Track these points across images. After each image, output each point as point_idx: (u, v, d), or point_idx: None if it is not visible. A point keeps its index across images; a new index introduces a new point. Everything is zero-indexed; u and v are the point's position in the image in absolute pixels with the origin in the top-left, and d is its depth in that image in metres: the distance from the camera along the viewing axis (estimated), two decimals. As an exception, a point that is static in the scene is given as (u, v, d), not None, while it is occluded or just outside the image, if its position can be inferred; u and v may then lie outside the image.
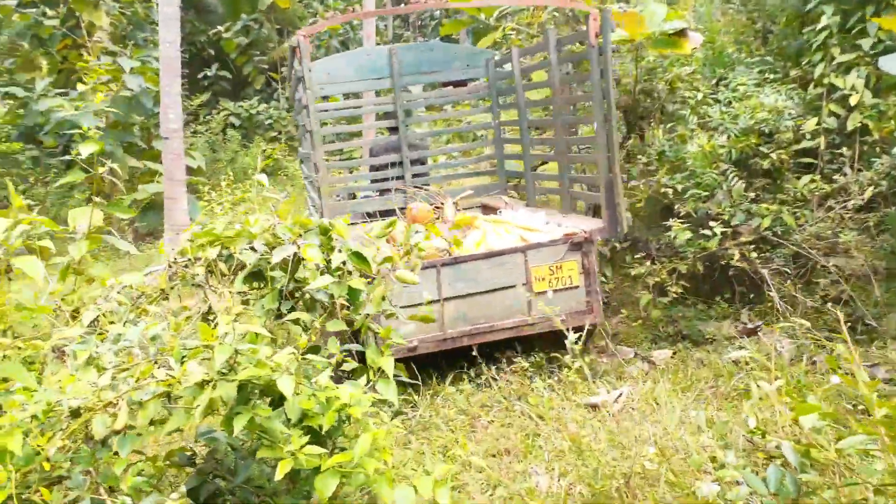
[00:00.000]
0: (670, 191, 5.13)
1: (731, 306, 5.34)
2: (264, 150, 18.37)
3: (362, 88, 7.13)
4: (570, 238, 4.67)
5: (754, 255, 4.84)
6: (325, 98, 7.05)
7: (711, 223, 4.77)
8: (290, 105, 14.25)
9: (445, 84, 8.69)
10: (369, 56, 6.89)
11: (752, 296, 5.29)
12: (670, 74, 5.94)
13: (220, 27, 20.73)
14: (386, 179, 6.84)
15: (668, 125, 5.72)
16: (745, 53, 6.70)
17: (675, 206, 5.18)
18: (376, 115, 7.62)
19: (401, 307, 3.41)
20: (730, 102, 5.64)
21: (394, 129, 7.02)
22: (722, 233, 4.79)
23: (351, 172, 8.05)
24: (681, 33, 5.08)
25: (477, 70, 6.88)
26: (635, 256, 5.43)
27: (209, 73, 20.88)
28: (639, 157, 5.60)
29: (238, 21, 20.95)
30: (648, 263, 5.07)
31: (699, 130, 5.34)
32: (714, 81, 6.28)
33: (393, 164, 6.83)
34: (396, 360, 3.02)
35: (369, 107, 7.79)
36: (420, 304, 3.84)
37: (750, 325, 5.12)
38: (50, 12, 14.66)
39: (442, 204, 5.77)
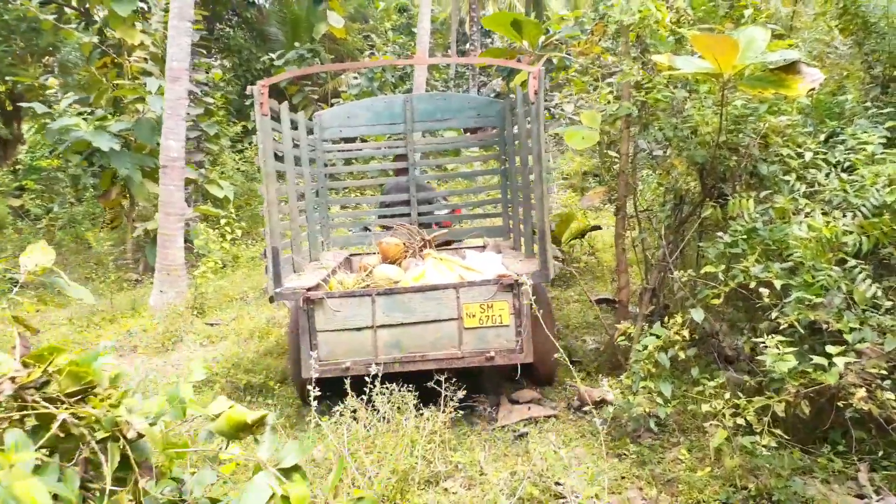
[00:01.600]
0: (763, 289, 3.56)
1: (845, 461, 3.70)
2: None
3: (378, 132, 7.72)
4: (501, 279, 4.78)
5: (888, 394, 3.24)
6: (343, 140, 8.01)
7: (828, 346, 3.19)
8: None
9: (466, 130, 9.27)
10: (387, 103, 7.48)
11: (877, 450, 3.65)
12: (764, 125, 4.42)
13: (272, 55, 20.05)
14: (394, 216, 7.43)
15: (762, 193, 4.18)
16: (860, 102, 5.13)
17: (770, 312, 3.61)
18: (392, 158, 7.99)
19: (335, 330, 4.72)
20: (851, 168, 4.07)
21: (403, 171, 7.56)
22: (839, 356, 3.21)
23: (354, 208, 8.86)
24: (791, 68, 3.58)
25: (489, 119, 7.25)
26: (710, 373, 3.88)
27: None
28: (719, 234, 4.05)
29: (292, 50, 20.27)
30: (727, 396, 3.48)
31: (810, 204, 3.77)
32: (822, 137, 4.70)
33: (402, 203, 7.48)
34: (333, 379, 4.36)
35: (382, 150, 8.10)
36: (353, 329, 4.76)
37: (871, 493, 3.48)
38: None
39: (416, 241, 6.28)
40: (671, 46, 4.36)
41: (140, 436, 1.68)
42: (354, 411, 4.73)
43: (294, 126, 6.56)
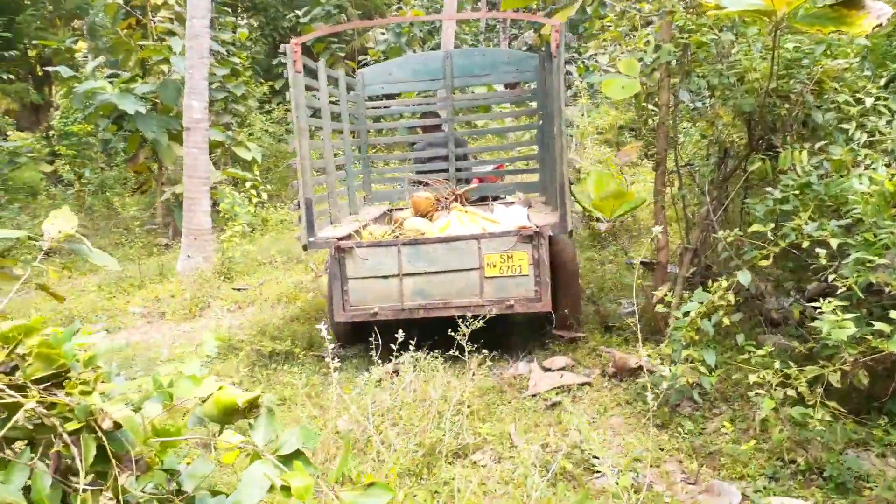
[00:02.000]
0: (819, 248, 3.25)
1: (904, 435, 3.42)
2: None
3: (419, 88, 7.84)
4: (521, 231, 4.93)
5: (956, 363, 2.95)
6: (385, 97, 8.02)
7: (892, 311, 2.89)
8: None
9: (507, 85, 9.03)
10: (426, 60, 7.61)
11: (941, 423, 3.37)
12: (818, 69, 4.03)
13: (298, 12, 19.67)
14: (432, 171, 7.40)
15: (816, 144, 3.82)
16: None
17: (826, 273, 3.30)
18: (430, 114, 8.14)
19: (364, 278, 5.01)
20: (918, 114, 3.69)
21: (434, 128, 7.70)
22: (903, 323, 2.91)
23: (393, 164, 8.84)
24: (853, 2, 3.20)
25: (527, 74, 7.15)
26: (755, 338, 3.60)
27: (283, 60, 19.90)
28: (768, 189, 3.73)
29: (318, 6, 19.85)
30: (776, 364, 3.21)
31: (871, 156, 3.42)
32: (882, 83, 4.29)
33: (438, 158, 7.52)
34: (360, 323, 5.00)
35: (427, 105, 8.17)
36: (380, 277, 5.02)
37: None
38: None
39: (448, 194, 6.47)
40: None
41: (118, 425, 1.49)
42: (380, 381, 4.59)
43: (335, 84, 6.64)
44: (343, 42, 20.22)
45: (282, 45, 5.17)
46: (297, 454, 1.66)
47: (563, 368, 4.72)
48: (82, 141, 17.37)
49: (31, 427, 1.48)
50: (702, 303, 3.68)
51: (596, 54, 24.41)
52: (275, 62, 20.17)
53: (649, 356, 4.07)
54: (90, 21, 20.00)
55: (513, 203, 6.74)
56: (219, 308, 7.13)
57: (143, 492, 1.51)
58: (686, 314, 3.65)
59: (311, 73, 5.84)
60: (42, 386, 1.53)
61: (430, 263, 5.03)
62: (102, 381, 1.68)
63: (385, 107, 8.48)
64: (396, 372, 4.86)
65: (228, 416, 1.66)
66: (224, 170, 11.62)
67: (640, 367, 4.41)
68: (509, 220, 5.63)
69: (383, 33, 19.78)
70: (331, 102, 6.43)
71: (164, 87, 11.65)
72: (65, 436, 1.46)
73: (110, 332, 6.92)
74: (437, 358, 5.03)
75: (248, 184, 8.65)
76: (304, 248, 5.30)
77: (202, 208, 8.39)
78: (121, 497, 1.45)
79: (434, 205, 6.31)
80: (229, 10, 16.42)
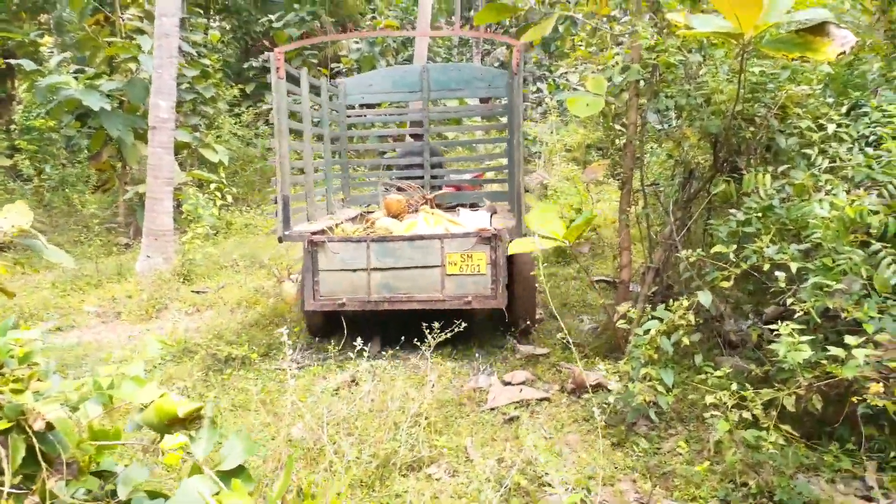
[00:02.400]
0: (779, 272, 3.28)
1: (853, 459, 3.45)
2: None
3: (396, 99, 8.32)
4: (481, 233, 5.28)
5: (906, 390, 2.99)
6: (363, 106, 8.45)
7: (846, 337, 2.92)
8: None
9: (481, 100, 9.52)
10: (405, 73, 8.02)
11: (887, 449, 3.41)
12: (782, 94, 4.10)
13: (271, 16, 19.53)
14: (408, 178, 7.83)
15: (779, 168, 3.87)
16: (884, 73, 4.80)
17: (784, 297, 3.34)
18: (408, 124, 8.68)
19: (334, 270, 5.33)
20: (877, 142, 3.77)
21: (418, 137, 8.08)
22: (858, 348, 2.95)
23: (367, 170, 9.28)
24: (819, 30, 3.25)
25: (499, 90, 7.58)
26: (712, 358, 3.62)
27: (254, 64, 19.71)
28: (731, 210, 3.76)
29: (292, 12, 19.75)
30: (733, 386, 3.22)
31: (832, 181, 3.47)
32: (844, 109, 4.39)
33: (415, 166, 8.02)
34: (329, 312, 5.39)
35: (400, 116, 8.86)
36: (350, 270, 5.34)
37: (878, 495, 3.25)
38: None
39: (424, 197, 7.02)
40: (687, 5, 4.03)
41: (50, 426, 1.41)
42: (337, 389, 4.52)
43: (317, 91, 7.02)
44: (316, 49, 20.14)
45: (265, 52, 6.34)
46: (239, 470, 1.59)
47: (522, 383, 4.69)
48: (44, 136, 16.96)
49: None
50: (662, 321, 3.68)
51: (567, 72, 24.67)
52: (245, 65, 19.98)
53: (607, 372, 4.07)
54: (56, 15, 19.57)
55: (479, 209, 7.16)
56: (176, 310, 6.97)
57: (74, 497, 1.43)
58: (646, 332, 3.65)
59: (294, 79, 6.17)
60: (-31, 382, 1.44)
61: (396, 259, 5.35)
62: (38, 380, 1.60)
63: (364, 115, 8.88)
64: (355, 381, 4.79)
65: (169, 425, 1.59)
66: (189, 171, 11.42)
67: (600, 385, 4.41)
68: (472, 223, 6.05)
69: (357, 42, 19.75)
70: (312, 108, 6.73)
71: (131, 86, 11.43)
72: (-8, 435, 1.38)
73: (62, 330, 6.71)
74: (397, 367, 4.99)
75: (212, 186, 8.48)
76: (280, 240, 5.62)
77: (165, 209, 8.21)
78: (48, 502, 1.37)
79: (405, 207, 6.64)
80: (201, 12, 16.22)
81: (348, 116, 8.26)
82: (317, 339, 5.89)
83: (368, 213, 7.24)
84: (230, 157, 14.78)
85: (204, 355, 5.20)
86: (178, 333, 5.84)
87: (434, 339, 4.22)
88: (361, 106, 9.02)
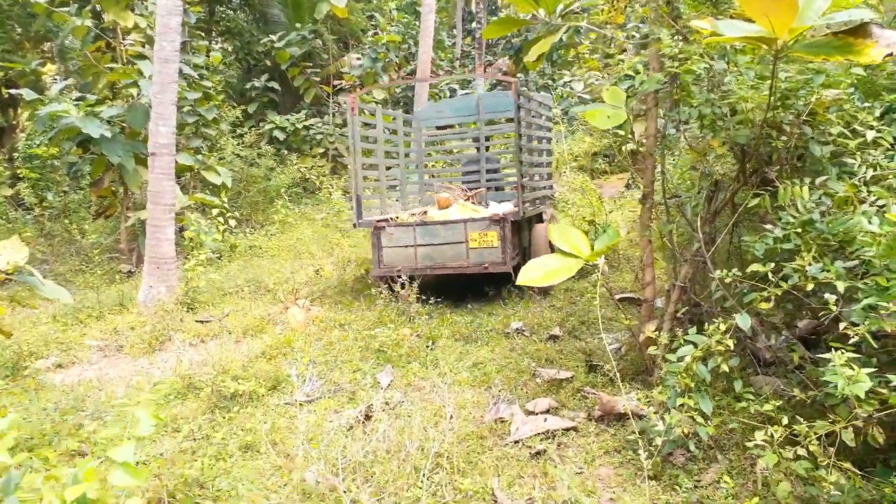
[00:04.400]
0: (830, 295, 3.02)
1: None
2: (300, 166, 16.79)
3: (459, 122, 10.64)
4: (492, 217, 7.25)
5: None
6: (437, 128, 10.93)
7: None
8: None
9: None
10: (464, 101, 10.59)
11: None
12: (812, 99, 3.85)
13: (273, 36, 19.41)
14: (470, 182, 10.20)
15: (811, 179, 3.61)
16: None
17: (826, 316, 3.08)
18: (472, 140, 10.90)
19: (392, 247, 7.56)
20: (919, 148, 3.51)
21: (477, 149, 10.40)
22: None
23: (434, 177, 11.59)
24: (860, 31, 3.02)
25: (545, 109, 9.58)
26: (748, 379, 3.36)
27: (256, 84, 19.57)
28: (766, 226, 3.51)
29: (293, 31, 19.62)
30: (784, 419, 2.96)
31: (878, 192, 3.22)
32: (878, 114, 4.13)
33: (474, 172, 10.33)
34: (389, 277, 7.35)
35: (463, 134, 11.02)
36: (402, 246, 7.51)
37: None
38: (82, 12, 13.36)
39: (465, 195, 9.34)
40: (708, 10, 3.81)
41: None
42: (351, 427, 4.27)
43: (393, 120, 10.08)
44: (318, 66, 20.01)
45: (341, 100, 9.41)
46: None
47: (546, 411, 4.43)
48: (46, 164, 16.82)
49: None
50: (696, 345, 3.43)
51: (570, 81, 24.36)
52: (248, 85, 19.84)
53: (639, 401, 3.81)
54: (59, 43, 19.50)
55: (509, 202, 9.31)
56: (180, 342, 6.73)
57: None
58: (681, 358, 3.39)
59: (367, 111, 9.05)
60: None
61: (434, 238, 7.41)
62: None
63: (436, 135, 11.16)
64: (368, 416, 4.55)
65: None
66: (191, 195, 11.22)
67: (629, 412, 4.15)
68: (495, 211, 8.17)
69: (359, 58, 19.62)
70: (391, 133, 9.83)
71: (131, 111, 11.29)
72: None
73: (63, 366, 6.49)
74: (411, 399, 4.74)
75: (213, 211, 8.27)
76: (354, 226, 8.05)
77: (166, 236, 8.00)
78: None
79: (449, 201, 8.84)
80: (202, 35, 16.10)
81: (424, 137, 10.82)
82: (386, 288, 7.29)
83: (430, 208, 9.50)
84: (233, 178, 14.61)
85: (209, 392, 4.96)
86: (182, 368, 5.61)
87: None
88: (435, 128, 11.14)
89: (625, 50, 27.03)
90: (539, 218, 8.76)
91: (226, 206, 9.04)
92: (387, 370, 5.41)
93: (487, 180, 10.06)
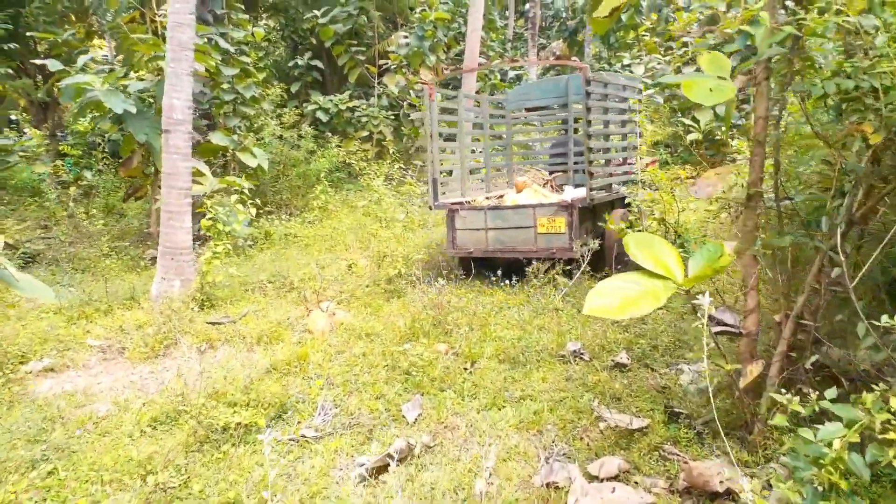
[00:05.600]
0: None
1: None
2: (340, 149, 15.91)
3: (547, 104, 10.38)
4: (560, 203, 7.33)
5: None
6: (526, 110, 10.69)
7: None
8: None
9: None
10: (553, 83, 10.23)
11: None
12: None
13: (316, 12, 18.53)
14: (557, 164, 10.25)
15: None
16: None
17: None
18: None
19: (465, 229, 7.84)
20: None
21: (565, 131, 10.21)
22: None
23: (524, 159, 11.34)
24: None
25: (630, 92, 8.98)
26: None
27: (300, 62, 18.77)
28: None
29: (339, 6, 18.73)
30: None
31: None
32: None
33: (560, 154, 10.24)
34: (461, 259, 8.27)
35: (552, 116, 10.88)
36: (474, 229, 7.78)
37: None
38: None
39: (542, 179, 9.62)
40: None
41: None
42: (363, 480, 3.35)
43: (478, 104, 10.24)
44: (364, 45, 19.09)
45: (419, 87, 9.45)
46: None
47: (615, 477, 3.42)
48: (88, 141, 16.35)
49: None
50: (847, 424, 2.37)
51: (629, 65, 22.86)
52: (291, 64, 19.07)
53: (752, 487, 2.76)
54: (101, 16, 19.01)
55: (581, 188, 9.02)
56: (187, 346, 5.92)
57: None
58: (828, 444, 2.33)
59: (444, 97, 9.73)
60: None
61: (504, 222, 7.51)
62: None
63: (525, 117, 10.98)
64: (386, 466, 3.62)
65: None
66: (221, 177, 10.45)
67: (729, 492, 3.11)
68: (566, 197, 8.23)
69: (406, 36, 18.63)
70: (476, 118, 9.73)
71: (159, 86, 10.54)
72: None
73: (55, 371, 5.74)
74: (440, 442, 3.79)
75: (232, 198, 7.42)
76: (430, 208, 8.24)
77: (182, 224, 7.20)
78: None
79: (526, 184, 8.87)
80: (242, 7, 15.27)
81: (514, 118, 10.77)
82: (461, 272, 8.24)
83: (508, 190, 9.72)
84: (271, 160, 13.86)
85: (193, 425, 4.08)
86: (181, 383, 4.77)
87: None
88: (525, 110, 10.94)
89: (689, 32, 25.36)
90: (621, 203, 8.57)
91: (246, 192, 8.18)
92: (415, 400, 4.46)
93: (575, 163, 9.90)
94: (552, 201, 7.55)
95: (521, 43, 29.34)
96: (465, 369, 5.01)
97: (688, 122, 18.00)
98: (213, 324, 6.41)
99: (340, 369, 5.09)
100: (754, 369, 3.60)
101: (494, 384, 4.69)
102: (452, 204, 7.91)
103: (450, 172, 10.06)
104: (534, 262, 6.90)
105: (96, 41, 22.95)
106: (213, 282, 7.06)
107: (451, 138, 9.02)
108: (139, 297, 7.45)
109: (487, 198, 8.95)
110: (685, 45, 20.62)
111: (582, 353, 5.16)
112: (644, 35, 24.48)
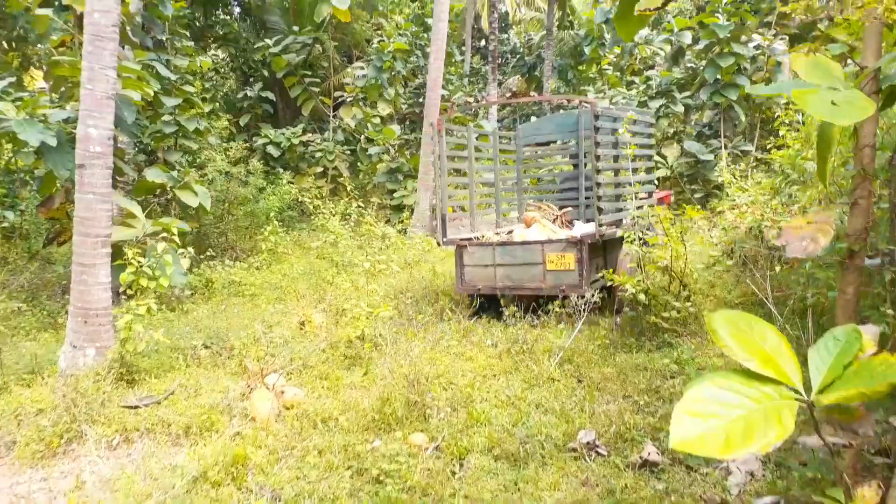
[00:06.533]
0: None
1: None
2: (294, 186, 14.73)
3: (559, 139, 10.63)
4: (570, 239, 7.21)
5: None
6: (537, 144, 10.67)
7: None
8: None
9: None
10: (564, 118, 10.39)
11: None
12: None
13: (269, 41, 17.46)
14: (566, 199, 10.16)
15: None
16: None
17: None
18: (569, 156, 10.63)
19: (473, 265, 7.70)
20: None
21: (575, 166, 10.16)
22: None
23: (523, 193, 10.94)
24: None
25: (639, 125, 9.01)
26: None
27: (249, 94, 17.60)
28: None
29: (290, 36, 17.71)
30: None
31: None
32: None
33: (571, 189, 10.22)
34: (469, 295, 7.92)
35: (563, 151, 10.88)
36: (482, 265, 7.64)
37: None
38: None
39: (552, 214, 9.36)
40: None
41: None
42: None
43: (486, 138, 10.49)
44: (318, 77, 18.08)
45: (429, 123, 9.28)
46: None
47: None
48: (18, 177, 14.81)
49: None
50: None
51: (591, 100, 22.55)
52: (240, 95, 17.92)
53: None
54: (33, 41, 17.58)
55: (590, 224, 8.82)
56: (95, 440, 4.65)
57: None
58: None
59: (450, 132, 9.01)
60: None
61: (513, 258, 7.40)
62: None
63: (536, 152, 10.77)
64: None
65: None
66: (155, 220, 9.16)
67: None
68: (574, 232, 8.16)
69: (363, 68, 17.69)
70: (479, 151, 9.64)
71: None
72: None
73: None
74: None
75: (160, 245, 6.16)
76: (439, 244, 8.67)
77: (97, 279, 5.92)
78: None
79: (535, 220, 8.60)
80: (188, 34, 14.11)
81: (524, 152, 10.56)
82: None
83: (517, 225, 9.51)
84: (216, 198, 12.60)
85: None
86: (81, 496, 3.52)
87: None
88: (535, 145, 10.70)
89: (652, 66, 25.08)
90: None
91: (176, 239, 6.94)
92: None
93: (586, 198, 9.71)
94: (560, 237, 7.47)
95: (479, 78, 28.77)
96: (453, 472, 3.88)
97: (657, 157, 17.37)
98: (130, 407, 5.14)
99: (290, 475, 3.91)
100: (868, 493, 2.59)
101: (494, 496, 3.57)
102: (461, 240, 7.84)
103: (462, 208, 10.01)
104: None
105: (34, 71, 21.43)
106: (135, 350, 5.78)
107: (460, 172, 9.10)
108: (44, 370, 6.11)
109: (497, 233, 8.81)
110: (648, 79, 20.25)
111: (597, 446, 4.08)
112: (606, 69, 24.10)
